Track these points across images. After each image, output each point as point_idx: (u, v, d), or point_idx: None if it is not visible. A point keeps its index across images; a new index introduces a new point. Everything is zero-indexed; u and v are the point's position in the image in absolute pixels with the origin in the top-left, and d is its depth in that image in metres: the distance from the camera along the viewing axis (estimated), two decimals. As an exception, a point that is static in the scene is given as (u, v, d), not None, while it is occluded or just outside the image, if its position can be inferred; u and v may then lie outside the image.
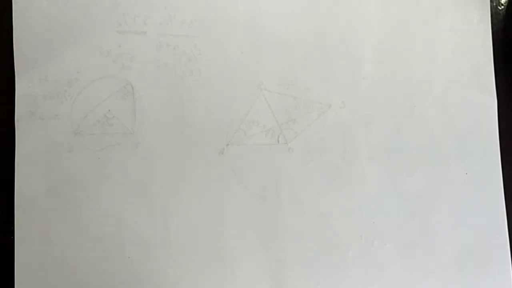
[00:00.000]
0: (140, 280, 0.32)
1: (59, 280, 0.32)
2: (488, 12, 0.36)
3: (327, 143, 0.34)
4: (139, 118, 0.33)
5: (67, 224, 0.32)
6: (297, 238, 0.34)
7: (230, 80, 0.34)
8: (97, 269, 0.32)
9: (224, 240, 0.33)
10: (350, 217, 0.34)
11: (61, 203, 0.32)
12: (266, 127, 0.34)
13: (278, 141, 0.34)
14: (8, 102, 0.32)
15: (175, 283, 0.32)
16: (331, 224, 0.34)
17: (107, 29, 0.33)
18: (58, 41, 0.32)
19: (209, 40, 0.34)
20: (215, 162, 0.33)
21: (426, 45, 0.36)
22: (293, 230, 0.34)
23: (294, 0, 0.34)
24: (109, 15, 0.33)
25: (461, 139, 0.35)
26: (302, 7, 0.35)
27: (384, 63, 0.35)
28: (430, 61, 0.35)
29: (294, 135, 0.34)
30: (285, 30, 0.34)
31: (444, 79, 0.35)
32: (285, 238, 0.33)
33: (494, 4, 0.37)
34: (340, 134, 0.34)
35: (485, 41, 0.36)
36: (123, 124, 0.33)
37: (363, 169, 0.34)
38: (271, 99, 0.34)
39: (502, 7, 0.37)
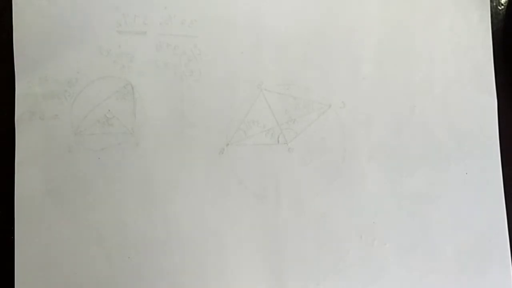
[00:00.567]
0: (140, 280, 0.32)
1: (59, 280, 0.32)
2: (488, 12, 0.36)
3: (327, 143, 0.34)
4: (139, 118, 0.33)
5: (67, 224, 0.32)
6: (297, 238, 0.34)
7: (230, 80, 0.34)
8: (97, 269, 0.32)
9: (224, 240, 0.33)
10: (350, 217, 0.34)
11: (61, 203, 0.32)
12: (266, 127, 0.34)
13: (278, 141, 0.34)
14: (8, 102, 0.32)
15: (175, 283, 0.32)
16: (331, 224, 0.34)
17: (107, 29, 0.33)
18: (58, 41, 0.32)
19: (209, 40, 0.34)
20: (215, 162, 0.33)
21: (426, 45, 0.36)
22: (293, 230, 0.34)
23: (294, 0, 0.34)
24: (109, 15, 0.33)
25: (461, 139, 0.35)
26: (302, 7, 0.35)
27: (384, 63, 0.35)
28: (430, 61, 0.35)
29: (294, 135, 0.34)
30: (285, 30, 0.34)
31: (444, 79, 0.35)
32: (285, 238, 0.33)
33: (494, 4, 0.37)
34: (340, 134, 0.34)
35: (485, 41, 0.36)
36: (123, 124, 0.33)
37: (363, 169, 0.34)
38: (271, 99, 0.34)
39: (502, 7, 0.37)
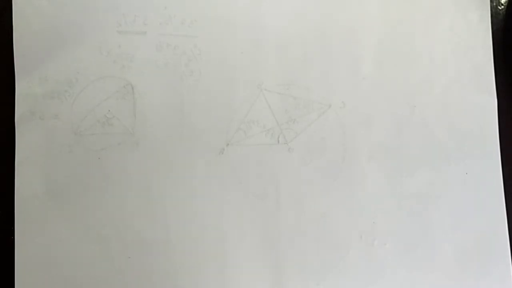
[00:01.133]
0: (140, 280, 0.32)
1: (59, 280, 0.32)
2: (488, 12, 0.36)
3: (327, 143, 0.34)
4: (139, 118, 0.33)
5: (67, 224, 0.32)
6: (297, 238, 0.34)
7: (230, 80, 0.34)
8: (97, 269, 0.32)
9: (224, 240, 0.33)
10: (350, 217, 0.34)
11: (61, 203, 0.32)
12: (266, 127, 0.34)
13: (278, 141, 0.34)
14: (8, 102, 0.32)
15: (175, 283, 0.32)
16: (331, 224, 0.34)
17: (107, 29, 0.33)
18: (58, 41, 0.32)
19: (209, 40, 0.34)
20: (215, 162, 0.33)
21: (426, 45, 0.36)
22: (293, 230, 0.34)
23: (294, 0, 0.34)
24: (109, 15, 0.33)
25: (461, 139, 0.35)
26: (302, 7, 0.35)
27: (384, 63, 0.35)
28: (430, 61, 0.35)
29: (294, 135, 0.34)
30: (285, 30, 0.34)
31: (444, 79, 0.36)
32: (285, 238, 0.33)
33: (494, 4, 0.37)
34: (340, 134, 0.34)
35: (485, 41, 0.36)
36: (123, 124, 0.33)
37: (363, 169, 0.34)
38: (271, 99, 0.34)
39: (502, 7, 0.37)
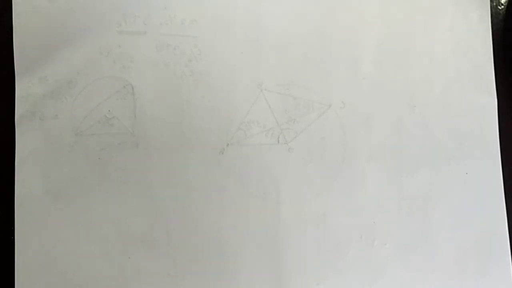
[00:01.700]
0: (140, 280, 0.32)
1: (59, 280, 0.32)
2: (488, 12, 0.36)
3: (327, 143, 0.34)
4: (139, 118, 0.33)
5: (67, 224, 0.32)
6: (297, 238, 0.34)
7: (230, 80, 0.34)
8: (97, 269, 0.32)
9: (224, 240, 0.33)
10: (350, 217, 0.34)
11: (61, 203, 0.32)
12: (266, 127, 0.34)
13: (278, 141, 0.34)
14: (8, 102, 0.32)
15: (175, 283, 0.32)
16: (331, 224, 0.34)
17: (107, 29, 0.33)
18: (59, 41, 0.32)
19: (209, 40, 0.34)
20: (215, 162, 0.33)
21: (426, 45, 0.36)
22: (293, 230, 0.34)
23: (294, 0, 0.34)
24: (109, 15, 0.33)
25: (461, 139, 0.35)
26: (302, 7, 0.35)
27: (384, 63, 0.35)
28: (430, 61, 0.35)
29: (294, 135, 0.34)
30: (285, 30, 0.34)
31: (444, 79, 0.36)
32: (285, 238, 0.33)
33: (494, 4, 0.37)
34: (340, 134, 0.34)
35: (485, 41, 0.36)
36: (123, 124, 0.33)
37: (363, 169, 0.34)
38: (271, 99, 0.34)
39: (502, 7, 0.37)
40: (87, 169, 0.32)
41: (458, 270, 0.34)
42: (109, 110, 0.33)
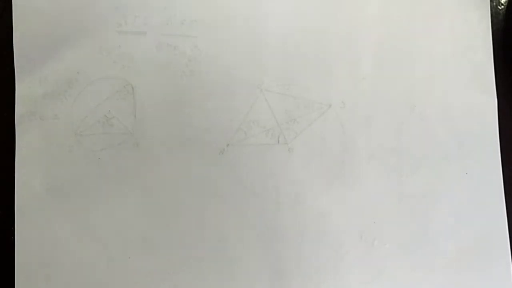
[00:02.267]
0: (140, 280, 0.32)
1: (59, 280, 0.32)
2: (488, 12, 0.36)
3: (327, 143, 0.34)
4: (139, 118, 0.33)
5: (67, 224, 0.32)
6: (297, 238, 0.34)
7: (230, 80, 0.34)
8: (97, 269, 0.32)
9: (224, 240, 0.33)
10: (350, 217, 0.34)
11: (61, 203, 0.32)
12: (266, 127, 0.34)
13: (278, 141, 0.34)
14: (8, 102, 0.32)
15: (175, 283, 0.32)
16: (331, 224, 0.34)
17: (107, 30, 0.33)
18: (58, 41, 0.32)
19: (209, 40, 0.34)
20: (216, 162, 0.33)
21: (426, 45, 0.36)
22: (293, 230, 0.34)
23: (294, 0, 0.34)
24: (109, 15, 0.33)
25: (461, 139, 0.35)
26: (302, 7, 0.35)
27: (384, 63, 0.35)
28: (430, 61, 0.35)
29: (294, 135, 0.34)
30: (285, 30, 0.34)
31: (444, 79, 0.36)
32: (285, 238, 0.33)
33: (494, 4, 0.37)
34: (340, 134, 0.34)
35: (485, 41, 0.36)
36: (123, 124, 0.33)
37: (363, 169, 0.34)
38: (271, 99, 0.34)
39: (502, 7, 0.37)
40: (87, 169, 0.32)
41: (458, 270, 0.34)
42: (109, 110, 0.33)
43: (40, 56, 0.32)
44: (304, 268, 0.33)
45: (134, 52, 0.33)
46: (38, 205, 0.32)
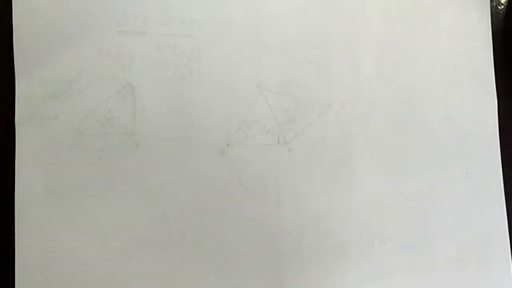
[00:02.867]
0: (140, 280, 0.32)
1: (59, 280, 0.32)
2: (488, 12, 0.36)
3: (327, 143, 0.34)
4: (139, 118, 0.33)
5: (67, 224, 0.32)
6: (297, 238, 0.34)
7: (230, 80, 0.34)
8: (97, 269, 0.32)
9: (224, 240, 0.33)
10: (350, 217, 0.34)
11: (61, 203, 0.32)
12: (266, 127, 0.34)
13: (279, 141, 0.34)
14: (8, 102, 0.32)
15: (175, 283, 0.32)
16: (331, 224, 0.34)
17: (107, 30, 0.33)
18: (58, 41, 0.32)
19: (209, 40, 0.34)
20: (216, 162, 0.33)
21: (426, 45, 0.36)
22: (293, 230, 0.34)
23: (294, 0, 0.34)
24: (109, 15, 0.33)
25: (461, 139, 0.35)
26: (302, 7, 0.35)
27: (384, 63, 0.35)
28: (430, 61, 0.36)
29: (294, 135, 0.34)
30: (285, 30, 0.34)
31: (444, 79, 0.36)
32: (285, 238, 0.33)
33: (494, 4, 0.37)
34: (340, 134, 0.34)
35: (485, 41, 0.36)
36: (123, 124, 0.33)
37: (363, 169, 0.34)
38: (271, 99, 0.34)
39: (502, 7, 0.37)
40: (87, 169, 0.32)
41: (458, 270, 0.34)
42: (109, 110, 0.33)
43: (40, 56, 0.32)
44: (304, 268, 0.33)
45: (134, 52, 0.33)
46: (38, 205, 0.32)
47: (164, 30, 0.33)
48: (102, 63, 0.33)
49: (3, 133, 0.32)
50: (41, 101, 0.32)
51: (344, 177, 0.34)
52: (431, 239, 0.34)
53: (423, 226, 0.34)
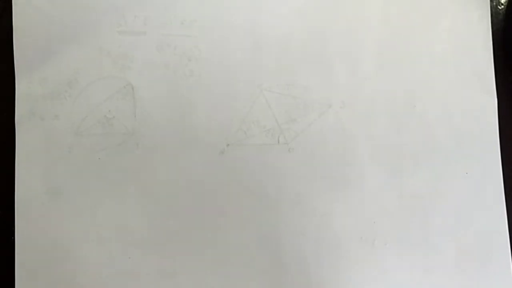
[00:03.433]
0: (140, 280, 0.32)
1: (59, 280, 0.32)
2: (488, 12, 0.36)
3: (327, 143, 0.34)
4: (139, 119, 0.33)
5: (67, 225, 0.32)
6: (297, 237, 0.34)
7: (230, 80, 0.34)
8: (97, 269, 0.32)
9: (224, 240, 0.33)
10: (350, 217, 0.34)
11: (61, 203, 0.32)
12: (267, 127, 0.34)
13: (279, 141, 0.34)
14: (8, 102, 0.32)
15: (175, 283, 0.32)
16: (331, 224, 0.34)
17: (107, 30, 0.33)
18: (58, 41, 0.32)
19: (209, 40, 0.34)
20: (216, 162, 0.33)
21: (426, 45, 0.36)
22: (293, 230, 0.34)
23: (294, 0, 0.34)
24: (109, 15, 0.33)
25: (461, 139, 0.35)
26: (302, 7, 0.35)
27: (384, 63, 0.35)
28: (430, 61, 0.35)
29: (295, 135, 0.34)
30: (285, 30, 0.34)
31: (444, 79, 0.36)
32: (285, 237, 0.33)
33: (494, 4, 0.37)
34: (340, 134, 0.34)
35: (485, 41, 0.36)
36: (123, 124, 0.33)
37: (363, 169, 0.34)
38: (271, 99, 0.34)
39: (502, 7, 0.37)
40: (87, 169, 0.32)
41: (458, 270, 0.34)
42: (109, 110, 0.33)
43: (40, 56, 0.32)
44: (304, 268, 0.33)
45: (134, 52, 0.33)
46: (38, 205, 0.32)
47: (164, 30, 0.33)
48: (102, 63, 0.33)
49: (3, 133, 0.32)
50: (41, 101, 0.32)
51: (344, 177, 0.34)
52: (431, 239, 0.34)
53: (423, 226, 0.34)
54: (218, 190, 0.33)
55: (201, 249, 0.33)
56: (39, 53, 0.32)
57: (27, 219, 0.32)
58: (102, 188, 0.32)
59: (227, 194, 0.33)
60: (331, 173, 0.34)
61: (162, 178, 0.33)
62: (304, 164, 0.34)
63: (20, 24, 0.32)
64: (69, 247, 0.32)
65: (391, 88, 0.35)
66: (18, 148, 0.32)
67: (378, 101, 0.35)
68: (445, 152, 0.35)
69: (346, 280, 0.34)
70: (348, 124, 0.35)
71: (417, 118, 0.35)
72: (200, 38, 0.34)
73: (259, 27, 0.34)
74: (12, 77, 0.32)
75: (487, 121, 0.36)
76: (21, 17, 0.32)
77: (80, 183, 0.32)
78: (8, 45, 0.32)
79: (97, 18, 0.33)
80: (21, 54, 0.32)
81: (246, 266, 0.33)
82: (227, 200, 0.33)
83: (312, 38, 0.34)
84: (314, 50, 0.34)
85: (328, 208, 0.34)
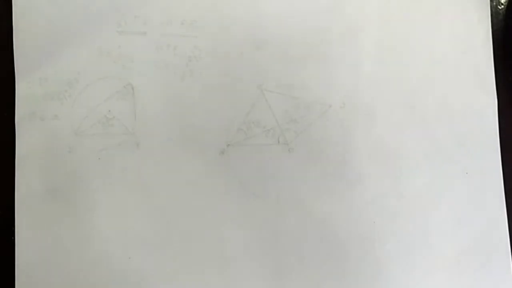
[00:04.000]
0: (140, 280, 0.32)
1: (59, 280, 0.32)
2: (488, 12, 0.36)
3: (328, 143, 0.34)
4: (139, 119, 0.33)
5: (67, 224, 0.32)
6: (297, 238, 0.34)
7: (230, 80, 0.34)
8: (98, 269, 0.32)
9: (224, 240, 0.33)
10: (350, 217, 0.34)
11: (61, 203, 0.32)
12: (267, 128, 0.34)
13: (279, 142, 0.34)
14: (8, 102, 0.32)
15: (175, 283, 0.32)
16: (331, 224, 0.34)
17: (107, 30, 0.33)
18: (58, 41, 0.32)
19: (209, 40, 0.34)
20: (216, 162, 0.33)
21: (426, 45, 0.36)
22: (293, 230, 0.34)
23: (294, 0, 0.34)
24: (109, 15, 0.33)
25: (461, 139, 0.35)
26: (302, 7, 0.35)
27: (384, 63, 0.35)
28: (430, 61, 0.35)
29: (295, 135, 0.34)
30: (285, 30, 0.34)
31: (444, 79, 0.36)
32: (285, 238, 0.33)
33: (494, 4, 0.37)
34: (340, 134, 0.34)
35: (485, 41, 0.36)
36: (124, 124, 0.33)
37: (363, 169, 0.34)
38: (272, 99, 0.34)
39: (502, 7, 0.37)
40: (87, 169, 0.32)
41: (458, 270, 0.34)
42: (109, 110, 0.33)
43: (40, 56, 0.32)
44: (304, 269, 0.33)
45: (134, 52, 0.33)
46: (38, 205, 0.32)
47: (164, 30, 0.33)
48: (102, 63, 0.33)
49: (3, 133, 0.32)
50: (41, 101, 0.32)
51: (344, 177, 0.34)
52: (431, 239, 0.34)
53: (423, 226, 0.34)
54: (218, 190, 0.33)
55: (201, 249, 0.33)
56: (39, 53, 0.32)
57: (27, 219, 0.32)
58: (102, 188, 0.32)
59: (227, 194, 0.33)
60: (331, 173, 0.34)
61: (162, 178, 0.33)
62: (304, 164, 0.34)
63: (20, 24, 0.32)
64: (69, 247, 0.32)
65: (391, 88, 0.35)
66: (18, 148, 0.32)
67: (378, 101, 0.35)
68: (445, 152, 0.35)
69: (346, 280, 0.34)
70: (348, 124, 0.35)
71: (417, 118, 0.35)
72: (200, 38, 0.34)
73: (259, 27, 0.34)
74: (12, 77, 0.32)
75: (487, 121, 0.36)
76: (21, 18, 0.32)
77: (80, 183, 0.32)
78: (8, 45, 0.32)
79: (97, 18, 0.33)
80: (21, 54, 0.32)
81: (246, 267, 0.33)
82: (227, 200, 0.33)
83: (312, 38, 0.34)
84: (314, 50, 0.34)
85: (328, 208, 0.34)
